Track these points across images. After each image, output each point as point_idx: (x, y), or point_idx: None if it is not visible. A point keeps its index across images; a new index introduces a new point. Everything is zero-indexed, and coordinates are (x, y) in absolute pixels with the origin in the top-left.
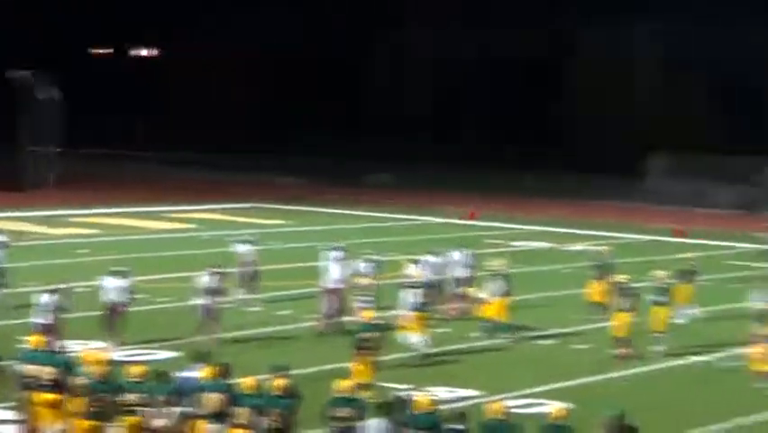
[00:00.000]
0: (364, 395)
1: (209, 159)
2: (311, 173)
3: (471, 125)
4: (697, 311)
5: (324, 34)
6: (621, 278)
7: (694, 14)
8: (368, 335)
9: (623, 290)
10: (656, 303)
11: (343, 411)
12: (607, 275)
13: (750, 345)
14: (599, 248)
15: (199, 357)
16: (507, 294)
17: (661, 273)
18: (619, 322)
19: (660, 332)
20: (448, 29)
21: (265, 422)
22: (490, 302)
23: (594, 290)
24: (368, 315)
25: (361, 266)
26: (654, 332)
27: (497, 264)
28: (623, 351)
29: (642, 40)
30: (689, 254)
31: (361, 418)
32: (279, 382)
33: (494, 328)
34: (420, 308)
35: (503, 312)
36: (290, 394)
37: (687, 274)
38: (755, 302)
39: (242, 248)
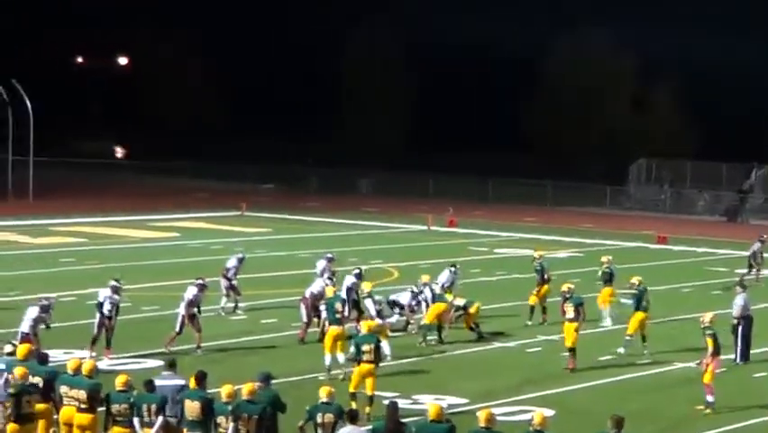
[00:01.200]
0: (367, 407)
1: (190, 166)
2: (292, 181)
3: (447, 130)
4: (615, 313)
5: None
6: (566, 286)
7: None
8: (367, 347)
9: (568, 299)
10: (639, 309)
11: (327, 417)
12: (547, 282)
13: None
14: (536, 253)
15: (168, 365)
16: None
17: (635, 279)
18: (566, 332)
19: (630, 335)
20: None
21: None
22: (471, 311)
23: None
24: (367, 325)
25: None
26: (627, 335)
27: None
28: (571, 362)
29: (620, 43)
30: (604, 258)
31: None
32: (250, 388)
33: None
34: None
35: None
36: (272, 402)
37: (606, 276)
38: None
39: (231, 261)
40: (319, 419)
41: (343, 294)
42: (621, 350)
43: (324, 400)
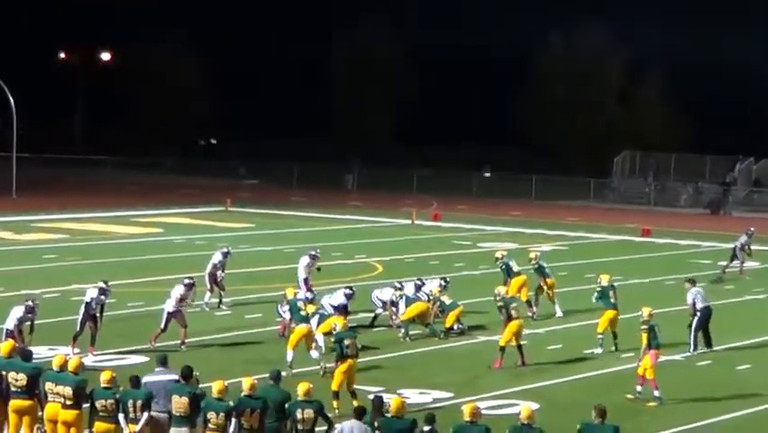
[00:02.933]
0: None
1: (175, 162)
2: (276, 176)
3: (432, 125)
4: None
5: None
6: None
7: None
8: (349, 341)
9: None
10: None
11: (306, 413)
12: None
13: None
14: (498, 253)
15: (160, 361)
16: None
17: (605, 276)
18: (507, 331)
19: (601, 333)
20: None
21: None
22: (454, 310)
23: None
24: (341, 321)
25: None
26: (599, 334)
27: None
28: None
29: (608, 40)
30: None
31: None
32: (249, 383)
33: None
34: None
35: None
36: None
37: (539, 270)
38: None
39: (217, 256)
40: (299, 415)
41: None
42: (598, 350)
43: (302, 397)
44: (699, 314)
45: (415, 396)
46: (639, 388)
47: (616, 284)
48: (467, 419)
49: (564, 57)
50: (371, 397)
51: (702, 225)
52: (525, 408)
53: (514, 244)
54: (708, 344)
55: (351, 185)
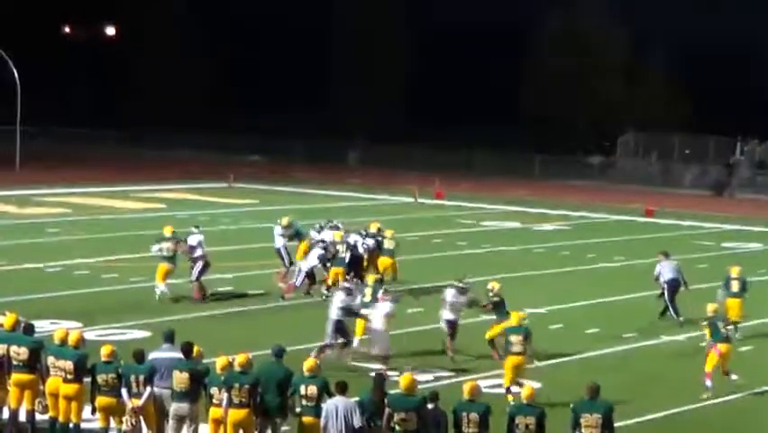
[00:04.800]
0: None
1: (179, 138)
2: (279, 152)
3: (436, 102)
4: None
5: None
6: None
7: None
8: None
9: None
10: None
11: (310, 389)
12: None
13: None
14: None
15: (166, 337)
16: None
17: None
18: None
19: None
20: None
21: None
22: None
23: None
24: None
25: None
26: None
27: None
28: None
29: (607, 18)
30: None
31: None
32: (240, 359)
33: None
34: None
35: None
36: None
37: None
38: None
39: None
40: (302, 391)
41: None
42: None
43: (307, 373)
44: (667, 285)
45: (416, 374)
46: (708, 383)
47: (622, 264)
48: (466, 397)
49: (566, 33)
50: (373, 374)
51: (706, 207)
52: (526, 387)
53: (517, 222)
54: (663, 313)
55: (354, 161)
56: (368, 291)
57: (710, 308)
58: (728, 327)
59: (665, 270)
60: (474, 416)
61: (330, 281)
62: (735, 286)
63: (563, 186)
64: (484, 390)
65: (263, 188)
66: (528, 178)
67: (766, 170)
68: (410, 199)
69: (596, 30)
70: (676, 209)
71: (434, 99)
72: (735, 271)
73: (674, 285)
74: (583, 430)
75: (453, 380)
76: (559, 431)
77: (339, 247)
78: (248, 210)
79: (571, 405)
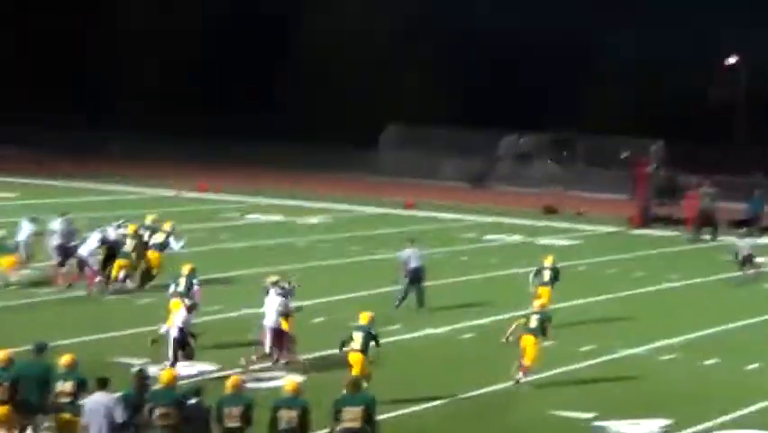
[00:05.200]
0: None
1: None
2: (41, 145)
3: (196, 94)
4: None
5: None
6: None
7: None
8: None
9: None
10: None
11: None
12: None
13: None
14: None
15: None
16: None
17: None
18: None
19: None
20: None
21: None
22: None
23: None
24: None
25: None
26: None
27: None
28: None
29: (375, 9)
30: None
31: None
32: (2, 356)
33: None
34: None
35: None
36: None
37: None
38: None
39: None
40: (59, 387)
41: None
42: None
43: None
44: (410, 274)
45: (181, 368)
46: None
47: (385, 258)
48: (229, 391)
49: (330, 23)
50: (134, 370)
51: (466, 199)
52: (289, 381)
53: (281, 216)
54: (421, 303)
55: (118, 153)
56: (182, 281)
57: (537, 303)
58: (539, 319)
59: (413, 257)
60: (237, 410)
61: (114, 274)
62: (546, 276)
63: (325, 179)
64: (249, 385)
65: (24, 181)
66: (291, 169)
67: (527, 163)
68: (172, 192)
69: (358, 19)
70: (436, 201)
71: (206, 90)
72: (548, 261)
73: (418, 273)
74: (346, 424)
75: (219, 374)
76: (323, 424)
77: (128, 241)
78: (5, 204)
79: (334, 400)
